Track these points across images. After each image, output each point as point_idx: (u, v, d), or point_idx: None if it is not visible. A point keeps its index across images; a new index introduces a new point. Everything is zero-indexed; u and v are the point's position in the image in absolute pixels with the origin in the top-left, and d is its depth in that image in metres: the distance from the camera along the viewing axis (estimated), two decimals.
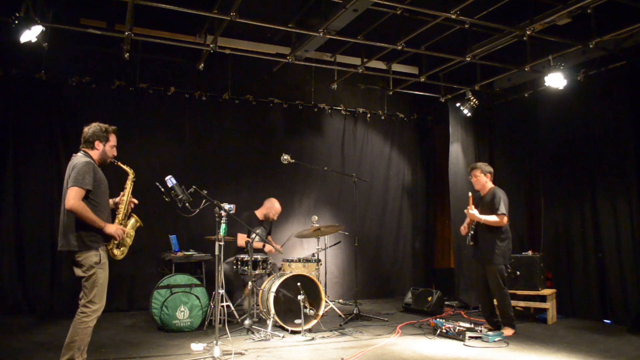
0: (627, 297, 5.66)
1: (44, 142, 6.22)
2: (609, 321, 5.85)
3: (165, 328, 5.21)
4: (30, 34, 4.62)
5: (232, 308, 5.61)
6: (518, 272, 5.96)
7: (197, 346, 4.55)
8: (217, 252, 4.40)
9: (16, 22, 4.51)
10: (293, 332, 5.18)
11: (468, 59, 6.06)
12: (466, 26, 5.61)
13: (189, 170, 6.70)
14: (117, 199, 3.84)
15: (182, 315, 5.25)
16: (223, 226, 4.66)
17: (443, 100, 7.62)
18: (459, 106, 7.04)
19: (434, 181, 8.56)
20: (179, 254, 5.84)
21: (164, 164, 6.54)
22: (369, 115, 8.07)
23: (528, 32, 5.37)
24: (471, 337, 4.93)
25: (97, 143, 3.70)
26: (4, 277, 5.91)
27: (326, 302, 5.87)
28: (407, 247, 8.24)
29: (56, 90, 6.28)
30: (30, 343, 4.68)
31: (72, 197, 3.42)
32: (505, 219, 5.11)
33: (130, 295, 6.45)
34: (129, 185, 3.86)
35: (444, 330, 5.12)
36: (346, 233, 6.95)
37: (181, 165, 6.73)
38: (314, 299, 5.33)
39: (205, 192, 4.41)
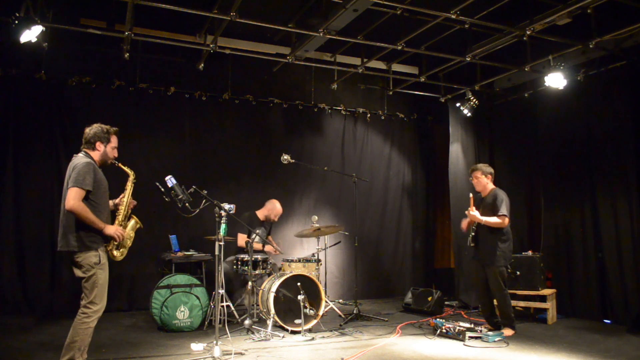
0: (627, 297, 5.66)
1: (44, 142, 6.22)
2: (609, 321, 5.85)
3: (165, 328, 5.21)
4: (30, 34, 4.62)
5: (232, 308, 5.61)
6: (518, 272, 5.96)
7: (197, 346, 4.55)
8: (217, 252, 4.40)
9: (16, 22, 4.50)
10: (293, 332, 5.18)
11: (468, 59, 6.06)
12: (466, 26, 5.61)
13: (189, 170, 6.70)
14: (117, 200, 3.84)
15: (182, 315, 5.25)
16: (223, 226, 4.66)
17: (443, 100, 7.62)
18: (459, 106, 7.04)
19: (434, 181, 8.56)
20: (179, 254, 5.84)
21: (164, 164, 6.54)
22: (369, 115, 8.07)
23: (528, 32, 5.37)
24: (471, 337, 4.94)
25: (98, 144, 3.70)
26: (4, 277, 5.91)
27: (326, 302, 5.87)
28: (407, 247, 8.24)
29: (56, 90, 6.28)
30: (30, 343, 4.68)
31: (72, 198, 3.42)
32: (507, 220, 5.11)
33: (130, 295, 6.45)
34: (129, 186, 3.86)
35: (444, 330, 5.12)
36: (346, 233, 6.95)
37: (181, 165, 6.73)
38: (314, 299, 5.33)
39: (205, 192, 4.41)
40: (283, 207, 6.56)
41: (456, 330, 5.03)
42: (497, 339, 4.90)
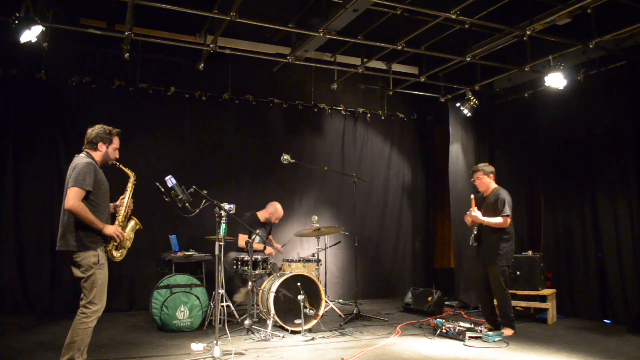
0: (627, 297, 5.66)
1: (44, 142, 6.22)
2: (609, 321, 5.85)
3: (165, 328, 5.21)
4: (30, 34, 4.62)
5: (232, 308, 5.61)
6: (518, 272, 5.96)
7: (197, 346, 4.55)
8: (217, 252, 4.40)
9: (16, 22, 4.50)
10: (293, 332, 5.18)
11: (468, 59, 6.06)
12: (466, 26, 5.61)
13: (189, 170, 6.70)
14: (117, 203, 3.83)
15: (182, 315, 5.25)
16: (223, 226, 4.66)
17: (443, 100, 7.62)
18: (459, 106, 7.04)
19: (434, 181, 8.56)
20: (179, 254, 5.84)
21: (164, 164, 6.54)
22: (369, 115, 8.06)
23: (528, 32, 5.37)
24: (471, 337, 4.94)
25: (100, 145, 3.70)
26: (4, 277, 5.91)
27: (326, 302, 5.87)
28: (407, 247, 8.24)
29: (56, 90, 6.28)
30: (30, 343, 4.68)
31: (72, 198, 3.42)
32: (509, 220, 5.11)
33: (130, 295, 6.45)
34: (129, 188, 3.85)
35: (444, 330, 5.12)
36: (346, 233, 6.95)
37: (181, 165, 6.73)
38: (314, 299, 5.33)
39: (205, 192, 4.41)
40: (283, 207, 6.55)
41: (456, 330, 5.03)
42: (497, 339, 4.90)
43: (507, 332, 5.16)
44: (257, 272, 5.61)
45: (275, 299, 5.19)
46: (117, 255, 3.70)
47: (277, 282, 5.26)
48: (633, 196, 5.67)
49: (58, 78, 6.25)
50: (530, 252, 6.20)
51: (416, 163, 8.49)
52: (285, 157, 6.15)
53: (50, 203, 6.09)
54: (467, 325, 5.13)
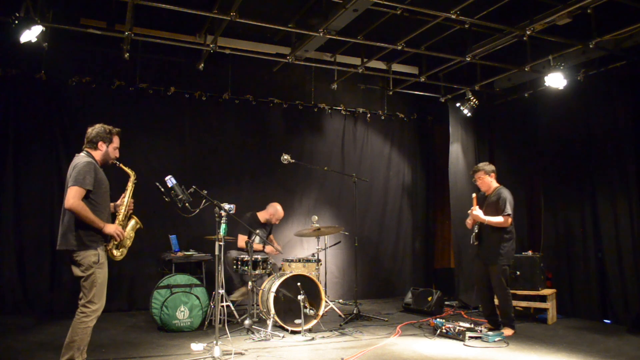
0: (627, 297, 5.66)
1: (44, 142, 6.22)
2: (609, 321, 5.85)
3: (165, 328, 5.21)
4: (30, 34, 4.61)
5: (232, 308, 5.61)
6: (518, 272, 5.96)
7: (197, 346, 4.55)
8: (217, 252, 4.40)
9: (16, 22, 4.50)
10: (293, 332, 5.18)
11: (468, 59, 6.06)
12: (466, 26, 5.61)
13: (189, 170, 6.70)
14: (117, 202, 3.83)
15: (182, 315, 5.25)
16: (223, 226, 4.66)
17: (443, 100, 7.62)
18: (459, 106, 7.04)
19: (434, 181, 8.56)
20: (179, 254, 5.84)
21: (164, 164, 6.54)
22: (369, 115, 8.06)
23: (528, 32, 5.37)
24: (471, 337, 4.93)
25: (100, 144, 3.71)
26: (4, 277, 5.91)
27: (326, 302, 5.87)
28: (407, 247, 8.24)
29: (56, 90, 6.28)
30: (30, 343, 4.68)
31: (72, 197, 3.43)
32: (510, 219, 5.11)
33: (130, 295, 6.45)
34: (130, 187, 3.85)
35: (444, 330, 5.12)
36: (346, 233, 6.95)
37: (181, 165, 6.73)
38: (314, 299, 5.33)
39: (205, 192, 4.41)
40: (283, 207, 6.55)
41: (456, 330, 5.03)
42: (497, 339, 4.90)
43: (507, 332, 5.16)
44: (257, 272, 5.61)
45: (275, 299, 5.19)
46: (118, 254, 3.70)
47: (277, 282, 5.26)
48: (633, 196, 5.67)
49: (58, 78, 6.25)
50: (530, 252, 6.20)
51: (416, 163, 8.49)
52: (285, 157, 6.15)
53: (50, 203, 6.09)
54: (467, 325, 5.13)
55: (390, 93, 7.68)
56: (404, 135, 8.40)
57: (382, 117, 8.15)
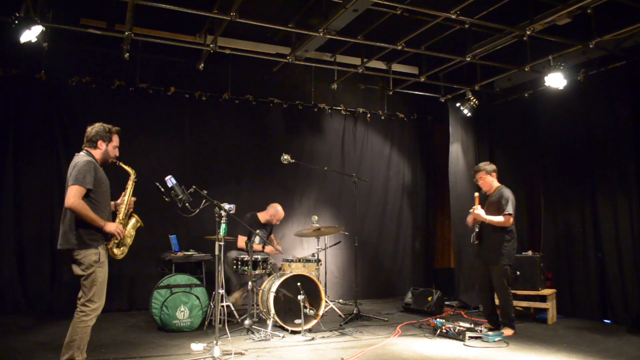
0: (627, 297, 5.66)
1: (44, 142, 6.22)
2: (609, 321, 5.85)
3: (165, 328, 5.21)
4: (30, 34, 4.61)
5: (232, 308, 5.61)
6: (518, 272, 5.96)
7: (197, 346, 4.55)
8: (217, 252, 4.40)
9: (16, 22, 4.50)
10: (293, 332, 5.18)
11: (468, 59, 6.06)
12: (466, 26, 5.61)
13: (189, 170, 6.70)
14: (118, 201, 3.84)
15: (182, 315, 5.25)
16: (223, 226, 4.66)
17: (443, 100, 7.62)
18: (459, 106, 7.04)
19: (434, 181, 8.56)
20: (179, 254, 5.84)
21: (164, 164, 6.54)
22: (369, 115, 8.06)
23: (528, 32, 5.37)
24: (471, 337, 4.93)
25: (100, 143, 3.71)
26: (4, 277, 5.90)
27: (326, 302, 5.86)
28: (407, 247, 8.24)
29: (56, 90, 6.27)
30: (30, 343, 4.68)
31: (72, 196, 3.43)
32: (511, 219, 5.11)
33: (130, 295, 6.45)
34: (130, 185, 3.86)
35: (444, 330, 5.12)
36: (346, 233, 6.95)
37: (181, 165, 6.73)
38: (314, 299, 5.33)
39: (205, 192, 4.41)
40: (283, 207, 6.55)
41: (456, 330, 5.02)
42: (497, 339, 4.90)
43: (507, 332, 5.16)
44: (257, 272, 5.61)
45: (275, 299, 5.19)
46: (119, 252, 3.71)
47: (277, 282, 5.26)
48: (633, 196, 5.67)
49: (58, 78, 6.25)
50: (530, 252, 6.19)
51: (416, 163, 8.49)
52: (285, 157, 6.15)
53: (50, 203, 6.10)
54: (467, 325, 5.13)
55: (390, 93, 7.68)
56: (404, 135, 8.40)
57: (382, 117, 8.15)
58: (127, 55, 5.79)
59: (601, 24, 5.30)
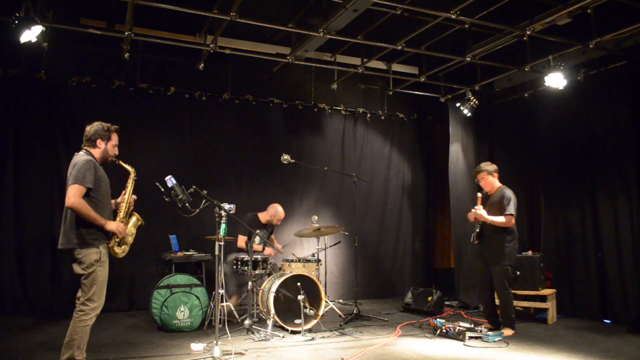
0: (627, 297, 5.66)
1: (44, 142, 6.22)
2: (609, 321, 5.85)
3: (165, 328, 5.21)
4: (30, 34, 4.61)
5: (232, 308, 5.61)
6: (518, 272, 5.96)
7: (197, 346, 4.55)
8: (217, 252, 4.40)
9: (16, 22, 4.50)
10: (293, 332, 5.18)
11: (468, 59, 6.06)
12: (466, 26, 5.61)
13: (189, 170, 6.70)
14: (118, 199, 3.84)
15: (182, 315, 5.25)
16: (223, 226, 4.66)
17: (443, 100, 7.62)
18: (459, 106, 7.04)
19: (434, 181, 8.56)
20: (179, 254, 5.84)
21: (164, 164, 6.54)
22: (369, 115, 8.06)
23: (528, 32, 5.37)
24: (471, 337, 4.93)
25: (99, 141, 3.71)
26: (4, 277, 5.91)
27: (326, 302, 5.86)
28: (407, 247, 8.24)
29: (56, 90, 6.27)
30: (30, 343, 4.67)
31: (73, 195, 3.43)
32: (513, 220, 5.11)
33: (130, 295, 6.45)
34: (130, 184, 3.86)
35: (444, 330, 5.12)
36: (346, 233, 6.95)
37: (181, 165, 6.73)
38: (314, 299, 5.33)
39: (205, 192, 4.41)
40: (283, 207, 6.55)
41: (456, 330, 5.02)
42: (497, 339, 4.90)
43: (507, 332, 5.16)
44: (257, 272, 5.61)
45: (275, 299, 5.19)
46: (120, 251, 3.71)
47: (277, 282, 5.26)
48: (633, 196, 5.67)
49: (58, 78, 6.25)
50: (530, 252, 6.19)
51: (416, 163, 8.49)
52: (285, 157, 6.15)
53: (50, 203, 6.10)
54: (467, 325, 5.13)
55: (390, 93, 7.68)
56: (404, 135, 8.40)
57: (382, 117, 8.15)
58: (127, 55, 5.79)
59: (601, 24, 5.30)
